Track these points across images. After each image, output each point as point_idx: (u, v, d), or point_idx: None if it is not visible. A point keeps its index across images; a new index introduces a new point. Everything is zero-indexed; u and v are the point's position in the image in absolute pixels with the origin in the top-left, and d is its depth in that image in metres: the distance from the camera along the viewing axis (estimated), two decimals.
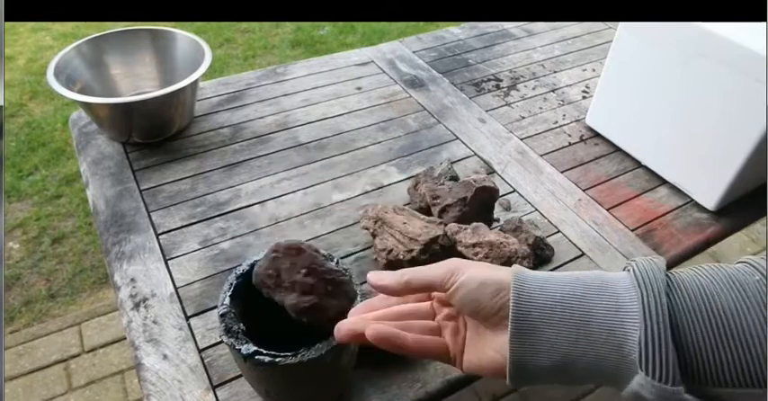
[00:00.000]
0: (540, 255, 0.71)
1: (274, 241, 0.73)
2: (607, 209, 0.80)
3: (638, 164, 0.88)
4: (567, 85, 1.07)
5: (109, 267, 0.71)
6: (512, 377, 0.33)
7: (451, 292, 0.35)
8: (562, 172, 0.87)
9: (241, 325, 0.46)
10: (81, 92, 0.84)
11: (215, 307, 0.65)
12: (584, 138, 0.94)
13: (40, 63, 2.27)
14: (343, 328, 0.36)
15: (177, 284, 0.68)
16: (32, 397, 1.20)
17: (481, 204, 0.72)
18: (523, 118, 0.98)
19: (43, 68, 2.13)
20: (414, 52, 1.15)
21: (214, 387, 0.58)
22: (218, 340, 0.62)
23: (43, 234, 1.56)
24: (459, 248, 0.65)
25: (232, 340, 0.45)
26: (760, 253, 1.59)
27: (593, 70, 1.11)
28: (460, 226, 0.67)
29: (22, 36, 2.45)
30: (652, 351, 0.29)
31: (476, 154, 0.90)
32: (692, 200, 0.82)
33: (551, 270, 0.71)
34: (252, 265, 0.51)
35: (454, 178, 0.77)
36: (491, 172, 0.86)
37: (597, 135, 0.94)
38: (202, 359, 0.60)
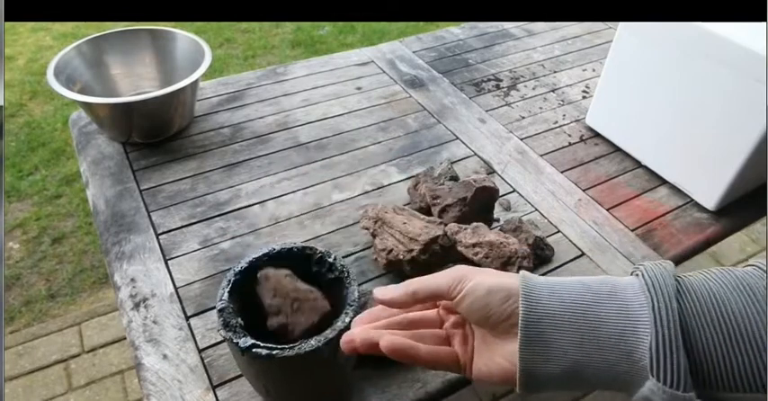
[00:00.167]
0: (540, 255, 0.71)
1: (274, 241, 0.74)
2: (607, 209, 0.80)
3: (638, 164, 0.88)
4: (567, 85, 1.07)
5: (109, 267, 0.71)
6: (522, 385, 0.32)
7: (458, 300, 0.34)
8: (562, 172, 0.87)
9: (239, 319, 0.47)
10: (81, 92, 0.84)
11: (215, 306, 0.65)
12: (584, 138, 0.94)
13: (40, 63, 2.27)
14: (357, 338, 0.35)
15: (177, 284, 0.68)
16: (32, 397, 1.20)
17: (481, 204, 0.72)
18: (523, 118, 0.98)
19: (43, 68, 2.13)
20: (414, 52, 1.15)
21: (214, 387, 0.58)
22: (218, 340, 0.62)
23: (43, 234, 1.56)
24: (459, 248, 0.65)
25: (230, 333, 0.45)
26: (760, 253, 1.59)
27: (594, 70, 1.11)
28: (460, 226, 0.67)
29: (22, 36, 2.45)
30: (663, 357, 0.29)
31: (476, 154, 0.90)
32: (692, 200, 0.82)
33: (552, 270, 0.71)
34: (251, 263, 0.51)
35: (454, 178, 0.77)
36: (491, 172, 0.86)
37: (597, 135, 0.94)
38: (202, 359, 0.60)
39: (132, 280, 0.68)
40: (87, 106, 0.84)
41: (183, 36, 0.93)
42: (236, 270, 0.51)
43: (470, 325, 0.37)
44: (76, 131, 0.92)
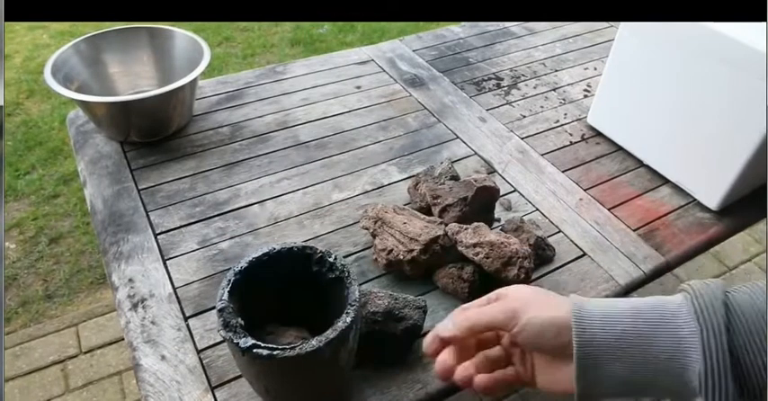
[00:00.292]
0: (541, 255, 0.71)
1: (274, 241, 0.73)
2: (609, 209, 0.80)
3: (640, 164, 0.88)
4: (568, 84, 1.07)
5: (107, 267, 0.70)
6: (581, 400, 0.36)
7: (515, 334, 0.37)
8: (563, 171, 0.86)
9: (239, 319, 0.46)
10: (78, 90, 0.83)
11: (214, 307, 0.64)
12: (585, 137, 0.94)
13: (37, 61, 2.26)
14: (458, 376, 0.38)
15: (176, 284, 0.67)
16: (29, 399, 1.19)
17: (482, 204, 0.71)
18: (524, 117, 0.98)
19: (40, 67, 2.12)
20: (414, 51, 1.15)
21: (213, 388, 0.57)
22: (217, 340, 0.62)
23: (40, 234, 1.55)
24: (460, 248, 0.65)
25: (230, 334, 0.45)
26: (763, 253, 1.58)
27: (595, 69, 1.11)
28: (461, 226, 0.66)
29: (19, 34, 2.44)
30: (711, 384, 0.31)
31: (476, 153, 0.89)
32: (695, 199, 0.82)
33: (553, 270, 0.71)
34: (250, 262, 0.51)
35: (455, 178, 0.77)
36: (492, 171, 0.86)
37: (599, 134, 0.94)
38: (201, 359, 0.60)
39: (130, 280, 0.68)
40: (85, 105, 0.84)
41: (182, 34, 0.92)
42: (236, 270, 0.50)
43: None
44: (74, 130, 0.91)
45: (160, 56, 0.95)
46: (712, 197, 0.79)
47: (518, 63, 1.12)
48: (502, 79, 1.07)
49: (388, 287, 0.67)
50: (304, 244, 0.53)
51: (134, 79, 0.95)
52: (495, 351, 0.40)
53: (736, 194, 0.78)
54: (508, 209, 0.79)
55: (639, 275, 0.70)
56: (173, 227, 0.75)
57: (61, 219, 1.60)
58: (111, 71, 0.94)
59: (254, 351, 0.44)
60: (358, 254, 0.72)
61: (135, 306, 0.65)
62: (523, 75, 1.09)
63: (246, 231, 0.75)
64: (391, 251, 0.65)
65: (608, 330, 0.34)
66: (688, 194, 0.82)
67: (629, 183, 0.85)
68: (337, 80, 1.05)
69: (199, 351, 0.60)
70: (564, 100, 1.02)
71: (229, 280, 0.49)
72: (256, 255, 0.51)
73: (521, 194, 0.82)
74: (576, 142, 0.93)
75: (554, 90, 1.05)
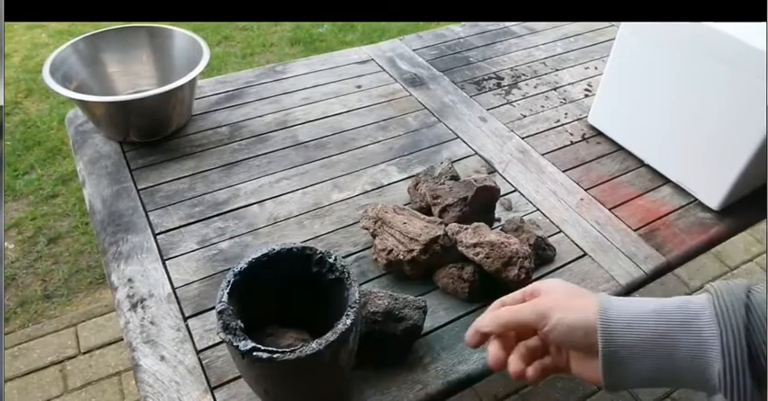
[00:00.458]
0: (541, 255, 0.70)
1: (273, 241, 0.73)
2: (609, 209, 0.80)
3: (641, 164, 0.88)
4: (569, 84, 1.06)
5: (106, 267, 0.70)
6: (608, 391, 0.40)
7: (545, 333, 0.40)
8: (564, 171, 0.86)
9: (239, 321, 0.46)
10: (77, 90, 0.83)
11: (213, 307, 0.64)
12: (586, 136, 0.94)
13: (35, 60, 2.25)
14: (512, 370, 0.42)
15: (175, 284, 0.67)
16: (28, 399, 1.19)
17: (482, 204, 0.71)
18: (525, 116, 0.98)
19: (39, 66, 2.12)
20: (414, 50, 1.14)
21: (212, 389, 0.57)
22: (217, 341, 0.61)
23: (39, 234, 1.55)
24: (460, 248, 0.65)
25: (230, 336, 0.45)
26: (764, 253, 1.58)
27: (596, 68, 1.11)
28: (461, 225, 0.66)
29: (18, 33, 2.44)
30: (730, 382, 0.33)
31: (477, 153, 0.89)
32: (696, 199, 0.81)
33: (553, 270, 0.71)
34: (250, 263, 0.50)
35: (455, 177, 0.76)
36: (492, 171, 0.86)
37: (599, 134, 0.94)
38: (200, 360, 0.59)
39: (129, 280, 0.67)
40: (84, 104, 0.83)
41: (181, 34, 0.92)
42: (236, 271, 0.50)
43: None
44: (73, 130, 0.91)
45: (159, 55, 0.95)
46: (713, 197, 0.78)
47: (518, 62, 1.12)
48: (502, 79, 1.07)
49: (388, 287, 0.67)
50: (304, 244, 0.53)
51: (133, 79, 0.95)
52: (533, 341, 0.43)
53: (737, 194, 0.78)
54: (508, 208, 0.79)
55: (640, 275, 0.70)
56: (172, 227, 0.75)
57: (60, 219, 1.59)
58: (110, 70, 0.93)
59: (254, 354, 0.44)
60: (358, 255, 0.71)
61: (134, 306, 0.65)
62: (524, 75, 1.08)
63: (246, 231, 0.74)
64: (391, 251, 0.65)
65: (633, 333, 0.36)
66: (689, 194, 0.82)
67: (630, 183, 0.85)
68: (337, 79, 1.05)
69: (198, 352, 0.60)
70: (564, 99, 1.02)
71: (229, 282, 0.49)
72: (256, 256, 0.51)
73: (521, 194, 0.82)
74: (576, 142, 0.92)
75: (555, 89, 1.05)
